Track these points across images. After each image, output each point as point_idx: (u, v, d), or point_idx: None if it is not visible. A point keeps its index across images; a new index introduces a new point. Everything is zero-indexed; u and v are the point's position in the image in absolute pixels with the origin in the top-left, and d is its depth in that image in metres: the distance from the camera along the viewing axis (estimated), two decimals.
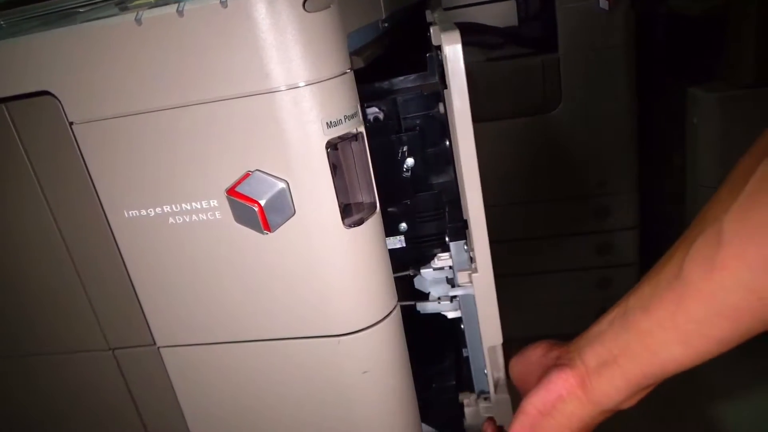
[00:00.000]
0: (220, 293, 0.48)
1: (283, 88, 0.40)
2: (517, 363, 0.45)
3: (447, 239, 0.55)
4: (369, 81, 0.56)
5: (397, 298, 0.51)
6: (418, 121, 0.56)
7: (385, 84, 0.56)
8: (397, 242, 0.57)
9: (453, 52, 0.44)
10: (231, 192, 0.44)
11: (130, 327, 0.51)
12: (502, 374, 0.53)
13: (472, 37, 1.82)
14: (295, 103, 0.41)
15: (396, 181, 0.55)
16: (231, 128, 0.42)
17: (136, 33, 0.40)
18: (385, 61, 0.61)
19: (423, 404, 0.60)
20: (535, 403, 0.40)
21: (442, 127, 0.55)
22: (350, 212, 0.46)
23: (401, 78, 0.56)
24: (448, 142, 0.55)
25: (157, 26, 0.40)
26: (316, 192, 0.43)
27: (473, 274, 0.48)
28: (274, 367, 0.50)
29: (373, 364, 0.50)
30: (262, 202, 0.43)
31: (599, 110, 1.67)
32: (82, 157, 0.45)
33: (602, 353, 0.38)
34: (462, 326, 0.58)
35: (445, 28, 0.45)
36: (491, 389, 0.52)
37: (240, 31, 0.39)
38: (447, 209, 0.56)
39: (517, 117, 1.70)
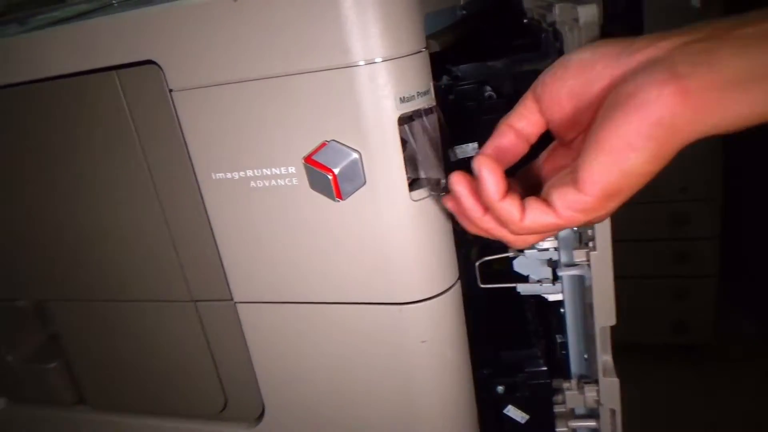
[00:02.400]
0: (293, 255, 0.51)
1: (361, 63, 0.43)
2: (559, 76, 0.36)
3: None
4: (483, 59, 0.58)
5: (457, 274, 0.53)
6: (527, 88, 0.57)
7: (500, 63, 0.57)
8: None
9: (590, 26, 0.43)
10: (308, 160, 0.47)
11: (211, 282, 0.55)
12: (609, 357, 0.53)
13: None
14: (371, 78, 0.44)
15: None
16: (311, 99, 0.45)
17: (232, 9, 0.44)
18: (466, 45, 0.63)
19: (513, 388, 0.61)
20: (626, 135, 0.29)
21: None
22: (418, 185, 0.48)
23: (517, 57, 0.57)
24: None
25: (250, 3, 0.44)
26: (386, 164, 0.46)
27: (591, 252, 0.49)
28: (339, 330, 0.53)
29: (431, 335, 0.52)
30: (336, 171, 0.46)
31: None
32: (179, 121, 0.50)
33: (744, 64, 0.28)
34: (562, 310, 0.59)
35: (581, 2, 0.45)
36: (599, 372, 0.52)
37: (324, 8, 0.42)
38: None
39: None
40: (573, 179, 0.33)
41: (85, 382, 0.68)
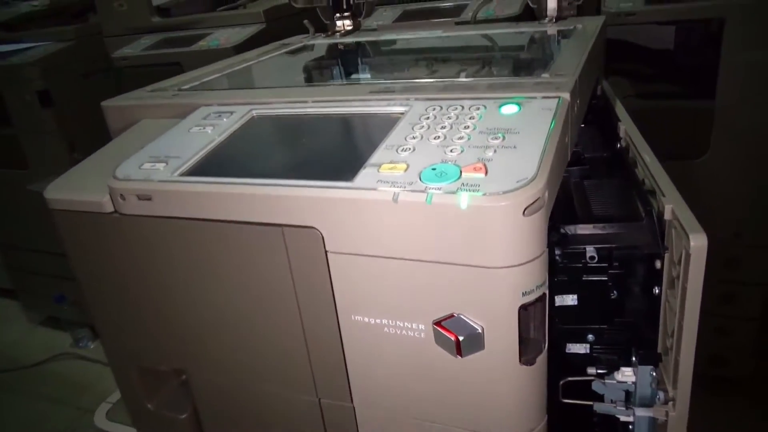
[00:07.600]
0: (410, 386, 0.62)
1: (496, 266, 0.52)
2: None
3: (634, 358, 0.63)
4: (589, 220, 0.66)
5: (546, 416, 0.63)
6: (630, 265, 0.64)
7: (606, 229, 0.65)
8: (582, 348, 0.68)
9: (698, 252, 0.51)
10: (437, 324, 0.57)
11: (335, 388, 0.67)
12: None
13: (625, 63, 1.81)
14: (501, 278, 0.53)
15: (597, 306, 0.65)
16: (446, 281, 0.55)
17: (392, 205, 0.54)
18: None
19: None
20: None
21: (655, 274, 0.63)
22: (526, 352, 0.58)
23: (619, 225, 0.65)
24: (657, 290, 0.63)
25: (409, 206, 0.53)
26: (503, 338, 0.56)
27: (671, 413, 0.57)
28: None
29: None
30: (461, 338, 0.56)
31: (750, 163, 1.64)
32: (329, 273, 0.60)
33: None
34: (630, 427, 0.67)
35: (691, 228, 0.53)
36: None
37: (470, 224, 0.51)
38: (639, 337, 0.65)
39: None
40: None
41: None
